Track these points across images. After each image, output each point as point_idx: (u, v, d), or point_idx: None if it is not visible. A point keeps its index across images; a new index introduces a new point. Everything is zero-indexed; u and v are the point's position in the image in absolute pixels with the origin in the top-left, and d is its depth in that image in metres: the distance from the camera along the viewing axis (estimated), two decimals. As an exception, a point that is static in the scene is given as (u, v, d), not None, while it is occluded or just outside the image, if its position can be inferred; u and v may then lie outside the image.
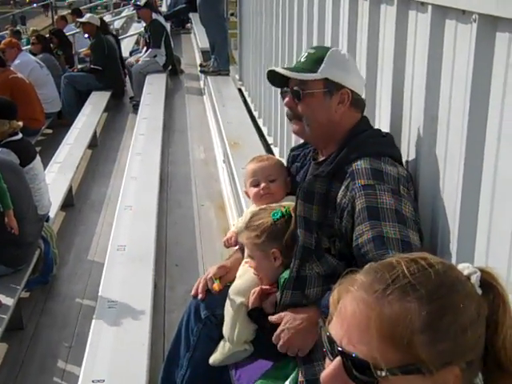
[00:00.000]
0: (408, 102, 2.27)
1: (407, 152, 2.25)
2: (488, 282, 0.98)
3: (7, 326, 3.45)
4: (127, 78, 9.54)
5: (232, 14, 10.12)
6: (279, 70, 2.16)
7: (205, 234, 4.83)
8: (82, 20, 9.34)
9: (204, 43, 8.98)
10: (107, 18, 13.71)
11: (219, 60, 7.68)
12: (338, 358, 0.93)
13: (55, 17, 18.19)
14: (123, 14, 16.59)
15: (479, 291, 0.96)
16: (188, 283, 3.80)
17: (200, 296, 2.37)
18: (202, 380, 2.39)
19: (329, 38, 3.25)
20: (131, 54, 10.41)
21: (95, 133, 7.46)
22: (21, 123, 4.28)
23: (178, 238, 4.83)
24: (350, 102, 2.10)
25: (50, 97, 8.11)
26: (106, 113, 8.56)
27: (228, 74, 7.74)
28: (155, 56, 8.99)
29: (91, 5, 21.77)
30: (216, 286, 2.34)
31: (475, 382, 0.98)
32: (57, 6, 25.09)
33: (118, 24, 14.58)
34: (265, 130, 5.42)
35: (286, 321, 1.97)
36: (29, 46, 9.45)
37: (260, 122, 5.70)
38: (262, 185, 2.43)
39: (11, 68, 7.52)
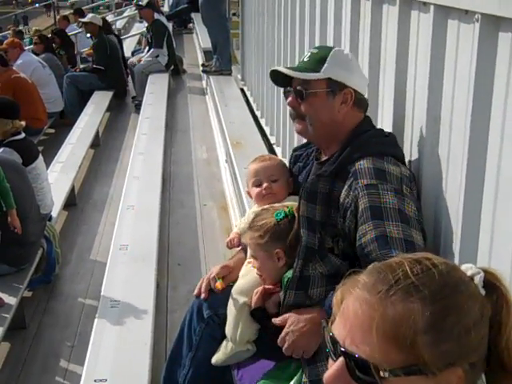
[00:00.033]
0: (410, 102, 2.27)
1: (410, 152, 2.25)
2: (491, 283, 0.97)
3: (10, 325, 3.46)
4: (129, 78, 9.55)
5: (234, 14, 10.13)
6: (282, 69, 2.16)
7: (207, 234, 4.83)
8: (85, 20, 9.35)
9: (206, 43, 8.98)
10: (109, 17, 13.72)
11: (221, 60, 7.68)
12: (341, 359, 0.93)
13: (57, 17, 18.21)
14: (125, 14, 16.60)
15: (482, 292, 0.96)
16: (190, 283, 3.81)
17: (203, 296, 2.37)
18: (204, 380, 2.39)
19: (331, 38, 3.25)
20: (133, 53, 10.41)
21: (97, 132, 7.47)
22: (23, 123, 4.29)
23: (181, 237, 4.83)
24: (352, 101, 2.10)
25: (53, 96, 8.12)
26: (108, 112, 8.57)
27: (230, 74, 7.74)
28: (157, 56, 9.00)
29: (93, 5, 21.80)
30: (219, 285, 2.34)
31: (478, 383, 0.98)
32: (59, 6, 25.13)
33: (120, 24, 14.58)
34: (267, 130, 5.41)
35: (290, 323, 1.97)
36: (31, 46, 9.46)
37: (262, 121, 5.70)
38: (264, 185, 2.43)
39: (14, 68, 7.53)
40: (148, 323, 3.06)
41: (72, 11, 13.72)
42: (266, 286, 2.17)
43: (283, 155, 4.56)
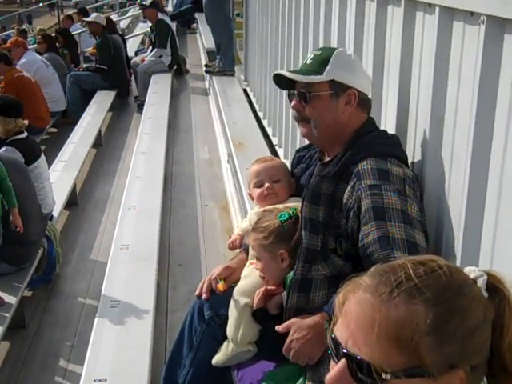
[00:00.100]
0: (414, 102, 2.26)
1: (413, 153, 2.24)
2: (494, 286, 0.97)
3: (10, 325, 3.47)
4: (132, 78, 9.56)
5: (238, 15, 10.12)
6: (285, 73, 2.16)
7: (208, 234, 4.82)
8: (88, 19, 9.36)
9: (210, 43, 8.99)
10: (113, 17, 13.71)
11: (225, 60, 7.68)
12: (343, 361, 0.92)
13: (61, 16, 18.25)
14: (129, 14, 16.62)
15: (485, 294, 0.96)
16: (191, 283, 3.81)
17: (204, 296, 2.37)
18: (204, 380, 2.39)
19: (335, 38, 3.24)
20: (137, 53, 10.43)
21: (100, 132, 7.48)
22: (26, 122, 4.30)
23: (182, 237, 4.83)
24: (356, 102, 2.09)
25: (56, 96, 8.13)
26: (110, 112, 8.58)
27: (233, 75, 7.75)
28: (161, 56, 9.01)
29: (97, 4, 21.79)
30: (220, 286, 2.33)
31: (480, 386, 0.97)
32: (63, 6, 25.15)
33: (123, 24, 14.61)
34: (270, 131, 5.41)
35: (294, 331, 1.96)
36: (35, 45, 9.47)
37: (265, 122, 5.70)
38: (266, 185, 2.43)
39: (17, 67, 7.54)
40: (148, 323, 3.05)
41: (76, 10, 13.72)
42: (268, 287, 2.17)
43: (285, 156, 4.55)
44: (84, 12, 12.10)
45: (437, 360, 0.87)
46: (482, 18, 1.70)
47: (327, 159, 2.17)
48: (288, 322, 1.99)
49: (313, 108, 2.10)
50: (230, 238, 2.66)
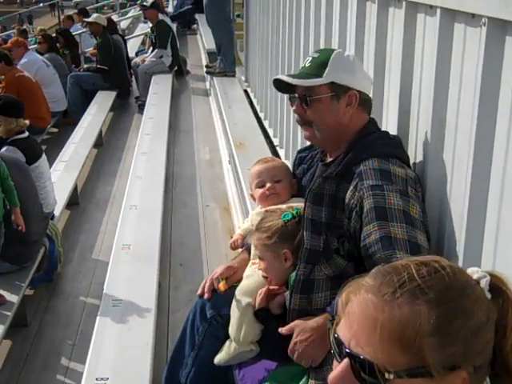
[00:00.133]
0: (416, 104, 2.27)
1: (414, 154, 2.25)
2: (497, 287, 0.97)
3: (11, 323, 3.47)
4: (133, 78, 9.56)
5: (238, 16, 10.12)
6: (284, 78, 2.16)
7: (209, 235, 4.83)
8: (89, 20, 9.36)
9: (210, 44, 9.00)
10: (113, 18, 13.71)
11: (225, 61, 7.69)
12: (346, 360, 0.93)
13: (61, 16, 18.24)
14: (129, 15, 16.61)
15: (488, 295, 0.96)
16: (192, 283, 3.82)
17: (206, 296, 2.38)
18: (206, 379, 2.39)
19: (336, 39, 3.25)
20: (137, 54, 10.43)
21: (101, 132, 7.47)
22: (28, 121, 4.30)
23: (183, 237, 4.83)
24: (357, 103, 2.10)
25: (56, 96, 8.13)
26: (111, 112, 8.58)
27: (234, 76, 7.75)
28: (161, 56, 9.01)
29: (97, 5, 21.79)
30: (222, 286, 2.34)
31: (482, 387, 0.98)
32: (63, 6, 25.13)
33: (124, 24, 14.61)
34: (270, 132, 5.42)
35: (297, 333, 1.96)
36: (35, 45, 9.47)
37: (266, 123, 5.70)
38: (268, 185, 2.44)
39: (18, 67, 7.54)
40: (150, 323, 3.06)
41: (76, 11, 13.73)
42: (270, 287, 2.18)
43: (286, 157, 4.56)
44: (84, 12, 12.10)
45: (440, 360, 0.88)
46: (483, 20, 1.71)
47: (329, 160, 2.18)
48: (291, 324, 1.99)
49: (314, 111, 2.10)
50: (232, 238, 2.67)
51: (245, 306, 2.21)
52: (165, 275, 4.13)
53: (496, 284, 0.97)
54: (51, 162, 5.31)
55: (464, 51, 1.89)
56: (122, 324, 3.06)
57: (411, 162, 2.17)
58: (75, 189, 5.66)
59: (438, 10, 2.00)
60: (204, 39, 10.53)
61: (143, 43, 11.96)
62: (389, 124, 2.49)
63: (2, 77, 7.47)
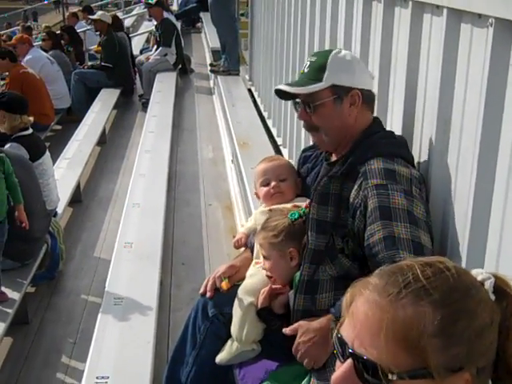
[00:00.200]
0: (421, 104, 2.26)
1: (419, 154, 2.24)
2: (501, 289, 0.97)
3: (13, 320, 3.47)
4: (137, 76, 9.56)
5: (242, 15, 10.12)
6: (284, 87, 2.16)
7: (212, 234, 4.83)
8: (94, 17, 9.38)
9: (214, 43, 8.99)
10: (118, 15, 13.73)
11: (230, 60, 7.69)
12: (349, 361, 0.92)
13: (66, 13, 18.27)
14: (134, 12, 16.63)
15: (492, 297, 0.95)
16: (194, 282, 3.81)
17: (208, 294, 2.37)
18: (207, 378, 2.39)
19: (341, 38, 3.24)
20: (141, 52, 10.44)
21: (104, 130, 7.48)
22: (32, 118, 4.30)
23: (185, 236, 4.83)
24: (361, 101, 2.10)
25: (60, 93, 8.14)
26: (115, 110, 8.59)
27: (238, 74, 7.75)
28: (165, 55, 9.02)
29: (102, 2, 21.81)
30: (224, 285, 2.33)
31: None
32: (68, 3, 25.18)
33: (128, 22, 14.61)
34: (274, 131, 5.41)
35: (301, 334, 1.96)
36: (40, 42, 9.49)
37: (269, 122, 5.70)
38: (273, 183, 2.43)
39: (22, 63, 7.55)
40: (151, 321, 3.06)
41: (81, 8, 13.75)
42: (273, 286, 2.17)
43: (290, 156, 4.55)
44: (89, 10, 12.13)
45: (443, 362, 0.87)
46: (490, 20, 1.70)
47: (333, 159, 2.18)
48: (295, 325, 1.99)
49: (319, 116, 2.10)
50: (235, 237, 2.66)
51: (247, 305, 2.20)
52: (167, 274, 4.12)
53: (500, 286, 0.97)
54: (54, 159, 5.33)
55: (470, 52, 1.88)
56: (123, 322, 3.05)
57: (415, 161, 2.16)
58: (78, 186, 5.67)
59: (445, 10, 1.99)
60: (208, 38, 10.53)
61: (147, 41, 11.97)
62: (394, 124, 2.49)
63: (7, 73, 7.48)
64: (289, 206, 2.32)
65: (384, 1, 2.58)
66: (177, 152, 6.67)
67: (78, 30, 10.30)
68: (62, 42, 9.49)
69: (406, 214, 1.83)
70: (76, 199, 5.59)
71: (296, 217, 2.14)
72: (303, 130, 3.70)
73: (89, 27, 10.81)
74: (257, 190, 2.54)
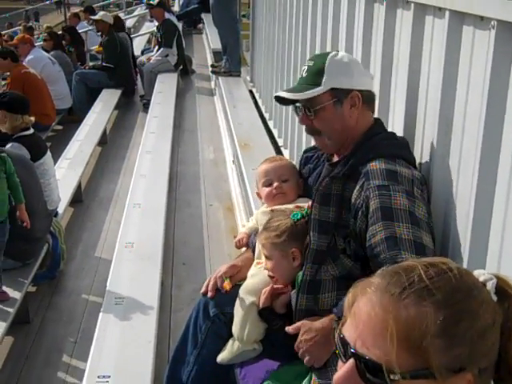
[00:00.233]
0: (422, 106, 2.26)
1: (420, 155, 2.25)
2: (503, 289, 0.97)
3: (14, 320, 3.47)
4: (138, 77, 9.57)
5: (244, 16, 10.13)
6: (284, 94, 2.17)
7: (212, 234, 4.83)
8: (96, 18, 9.38)
9: (216, 44, 9.00)
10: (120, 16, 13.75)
11: (231, 61, 7.69)
12: (351, 361, 0.93)
13: (68, 14, 18.28)
14: (135, 13, 16.64)
15: (494, 298, 0.95)
16: (195, 282, 3.82)
17: (209, 294, 2.37)
18: (208, 378, 2.39)
19: (343, 39, 3.24)
20: (143, 52, 10.45)
21: (105, 130, 7.49)
22: (33, 118, 4.30)
23: (186, 237, 4.83)
24: (361, 102, 2.10)
25: (62, 93, 8.14)
26: (116, 110, 8.59)
27: (239, 76, 7.75)
28: (167, 55, 9.02)
29: (103, 3, 21.83)
30: (226, 285, 2.34)
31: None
32: (69, 3, 25.20)
33: (130, 23, 14.62)
34: (275, 133, 5.41)
35: (303, 332, 1.97)
36: (41, 43, 9.49)
37: (271, 124, 5.70)
38: (275, 184, 2.43)
39: (24, 63, 7.56)
40: (152, 321, 3.06)
41: (82, 9, 13.76)
42: (275, 286, 2.17)
43: (291, 158, 4.55)
44: (91, 10, 12.13)
45: (445, 362, 0.88)
46: (492, 22, 1.71)
47: (335, 159, 2.18)
48: (298, 324, 1.99)
49: (320, 120, 2.11)
50: (236, 237, 2.67)
51: (249, 304, 2.21)
52: (167, 274, 4.13)
53: (502, 287, 0.97)
54: (55, 159, 5.33)
55: (472, 54, 1.89)
56: (124, 322, 3.06)
57: (417, 162, 2.16)
58: (79, 186, 5.67)
59: (447, 13, 1.99)
60: (210, 39, 10.54)
61: (149, 42, 11.98)
62: (395, 125, 2.49)
63: (8, 73, 7.49)
64: (291, 206, 2.32)
65: (386, 2, 2.59)
66: (178, 153, 6.68)
67: (80, 31, 10.31)
68: (64, 42, 9.49)
69: (407, 214, 1.84)
70: (77, 199, 5.59)
71: (298, 217, 2.15)
72: (304, 132, 3.70)
73: (90, 27, 10.82)
74: (259, 190, 2.54)
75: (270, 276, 2.21)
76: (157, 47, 9.37)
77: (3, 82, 8.10)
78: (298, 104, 2.16)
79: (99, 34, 9.70)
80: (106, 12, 10.71)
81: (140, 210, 4.45)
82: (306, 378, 1.99)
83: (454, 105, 2.00)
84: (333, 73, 2.09)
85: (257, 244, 2.36)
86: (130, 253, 3.78)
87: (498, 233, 1.74)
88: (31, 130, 4.29)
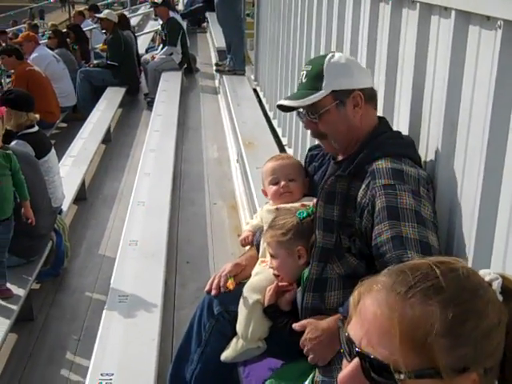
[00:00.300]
0: (428, 105, 2.26)
1: (426, 154, 2.25)
2: (509, 289, 0.96)
3: (18, 317, 3.47)
4: (142, 75, 9.58)
5: (248, 15, 10.13)
6: (286, 102, 2.18)
7: (216, 233, 4.83)
8: (101, 16, 9.39)
9: (220, 42, 9.00)
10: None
11: (235, 60, 7.69)
12: (356, 359, 0.92)
13: (72, 12, 18.30)
14: (140, 12, 16.65)
15: (500, 298, 0.95)
16: (198, 281, 3.82)
17: (213, 292, 2.37)
18: (211, 376, 2.39)
19: (348, 38, 3.24)
20: (147, 51, 10.46)
21: (109, 128, 7.49)
22: (38, 116, 4.31)
23: (190, 235, 4.84)
24: (364, 101, 2.11)
25: (66, 91, 8.15)
26: (120, 108, 8.60)
27: (243, 74, 7.75)
28: (171, 54, 9.03)
29: (108, 1, 21.83)
30: (230, 284, 2.33)
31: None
32: (74, 1, 25.22)
33: (134, 21, 14.62)
34: (279, 131, 5.41)
35: (308, 331, 1.97)
36: (46, 40, 9.50)
37: (275, 122, 5.70)
38: (282, 183, 2.43)
39: (28, 61, 7.57)
40: (156, 319, 3.06)
41: (87, 7, 13.79)
42: (280, 283, 2.17)
43: (295, 157, 4.55)
44: (95, 8, 12.16)
45: (450, 362, 0.87)
46: (499, 22, 1.70)
47: (340, 158, 2.18)
48: (304, 321, 2.00)
49: (325, 123, 2.12)
50: (240, 235, 2.66)
51: (253, 302, 2.21)
52: (171, 272, 4.13)
53: (508, 286, 0.97)
54: (60, 156, 5.33)
55: (478, 54, 1.88)
56: (128, 320, 3.06)
57: (422, 161, 2.16)
58: (83, 184, 5.68)
59: (453, 12, 1.99)
60: (214, 37, 10.54)
61: (153, 40, 11.99)
62: (400, 124, 2.49)
63: (12, 71, 7.50)
64: (296, 205, 2.32)
65: (391, 2, 2.58)
66: (182, 151, 6.68)
67: (84, 29, 10.32)
68: (68, 40, 9.50)
69: (413, 214, 1.84)
70: (81, 197, 5.60)
71: (304, 215, 2.15)
72: (308, 131, 3.70)
73: (95, 26, 10.83)
74: (265, 188, 2.54)
75: (275, 275, 2.21)
76: (161, 45, 9.38)
77: (8, 80, 8.11)
78: (301, 110, 2.16)
79: (104, 32, 9.71)
80: (110, 10, 10.71)
81: (144, 208, 4.46)
82: (310, 376, 1.99)
83: (460, 105, 2.00)
84: (332, 75, 2.09)
85: (261, 242, 2.36)
86: (133, 251, 3.78)
87: (503, 232, 1.73)
88: (36, 128, 4.29)
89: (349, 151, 2.13)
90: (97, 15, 10.11)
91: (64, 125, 8.34)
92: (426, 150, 2.25)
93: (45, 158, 4.24)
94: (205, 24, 13.55)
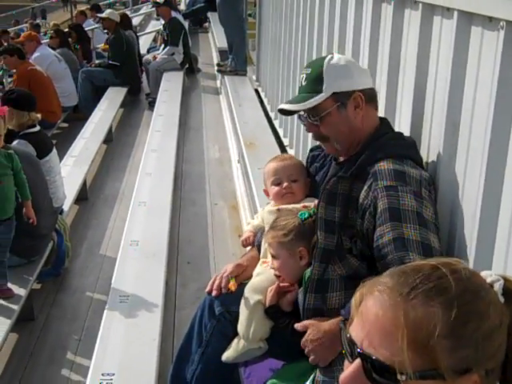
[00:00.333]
0: (430, 106, 2.26)
1: (427, 155, 2.25)
2: (511, 291, 0.96)
3: (18, 317, 3.47)
4: (144, 75, 9.58)
5: (250, 15, 10.14)
6: (287, 106, 2.18)
7: (217, 233, 4.83)
8: (102, 15, 9.40)
9: (222, 43, 9.01)
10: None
11: (237, 60, 7.70)
12: (358, 360, 0.92)
13: (74, 12, 18.32)
14: (142, 11, 16.67)
15: (501, 299, 0.95)
16: (199, 281, 3.82)
17: (214, 293, 2.37)
18: (212, 376, 2.39)
19: (350, 38, 3.24)
20: (149, 51, 10.46)
21: (111, 128, 7.49)
22: (39, 115, 4.31)
23: (191, 235, 4.83)
24: (364, 101, 2.10)
25: (67, 91, 8.16)
26: (122, 108, 8.60)
27: (245, 75, 7.76)
28: (173, 54, 9.03)
29: (110, 1, 21.85)
30: (232, 286, 2.33)
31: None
32: (76, 1, 25.24)
33: (136, 21, 14.63)
34: (281, 132, 5.41)
35: (310, 332, 1.97)
36: (47, 40, 9.51)
37: (276, 123, 5.70)
38: (285, 184, 2.43)
39: (30, 61, 7.57)
40: (157, 319, 3.06)
41: (89, 6, 13.80)
42: (281, 284, 2.17)
43: (296, 157, 4.54)
44: (97, 8, 12.17)
45: (452, 363, 0.87)
46: (501, 23, 1.70)
47: (342, 159, 2.18)
48: (306, 322, 2.00)
49: (327, 126, 2.12)
50: (241, 236, 2.66)
51: (254, 303, 2.21)
52: (172, 273, 4.13)
53: (509, 288, 0.97)
54: (61, 156, 5.33)
55: (480, 54, 1.88)
56: (129, 320, 3.06)
57: (424, 162, 2.16)
58: (84, 184, 5.67)
59: (455, 13, 1.99)
60: (216, 37, 10.55)
61: (155, 40, 11.99)
62: (402, 125, 2.48)
63: (14, 70, 7.50)
64: (298, 205, 2.32)
65: (394, 2, 2.58)
66: (183, 151, 6.68)
67: (86, 28, 10.33)
68: (70, 39, 9.51)
69: (415, 215, 1.84)
70: (82, 197, 5.59)
71: (306, 216, 2.15)
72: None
73: (97, 25, 10.84)
74: (267, 188, 2.53)
75: (276, 275, 2.21)
76: (163, 45, 9.38)
77: (10, 79, 8.12)
78: (301, 113, 2.16)
79: (106, 31, 9.71)
80: (112, 10, 10.71)
81: (145, 208, 4.46)
82: (311, 377, 1.99)
83: (462, 105, 2.00)
84: (332, 77, 2.09)
85: (262, 243, 2.36)
86: (134, 251, 3.78)
87: (505, 233, 1.73)
88: (37, 128, 4.29)
89: (350, 152, 2.13)
90: (99, 15, 10.12)
91: (65, 124, 8.35)
92: (428, 150, 2.25)
93: (46, 157, 4.24)
94: (206, 24, 13.57)
